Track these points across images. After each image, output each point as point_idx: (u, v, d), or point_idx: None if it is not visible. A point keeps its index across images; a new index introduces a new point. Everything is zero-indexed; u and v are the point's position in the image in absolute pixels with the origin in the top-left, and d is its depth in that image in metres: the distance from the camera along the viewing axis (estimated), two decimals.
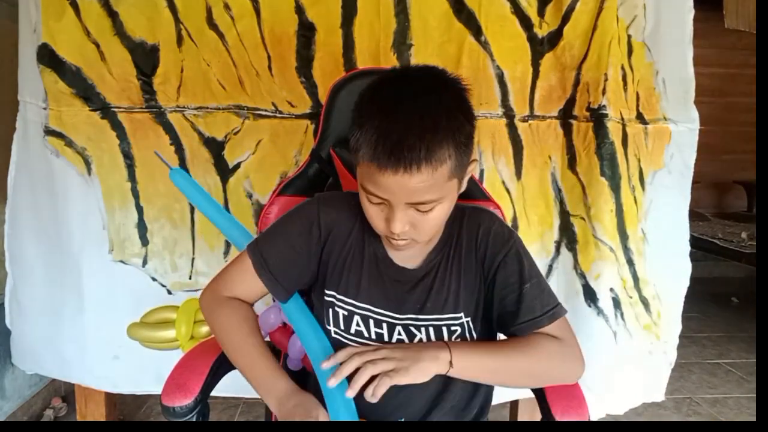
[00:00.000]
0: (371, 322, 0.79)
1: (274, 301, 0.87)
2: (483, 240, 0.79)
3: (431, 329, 0.78)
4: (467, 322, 0.78)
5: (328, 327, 0.81)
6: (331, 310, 0.81)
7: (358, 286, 0.80)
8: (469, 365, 0.72)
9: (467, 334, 0.78)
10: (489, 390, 0.87)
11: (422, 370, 0.68)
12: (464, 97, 0.69)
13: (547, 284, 0.80)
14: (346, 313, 0.80)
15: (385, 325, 0.79)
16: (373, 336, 0.79)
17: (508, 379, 0.76)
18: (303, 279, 0.82)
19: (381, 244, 0.81)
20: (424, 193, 0.65)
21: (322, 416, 0.70)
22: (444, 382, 0.78)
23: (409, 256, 0.80)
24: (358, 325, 0.79)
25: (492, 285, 0.78)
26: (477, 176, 1.33)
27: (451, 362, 0.70)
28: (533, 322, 0.76)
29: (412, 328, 0.78)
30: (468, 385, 0.79)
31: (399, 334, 0.78)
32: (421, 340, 0.78)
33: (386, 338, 0.78)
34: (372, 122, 0.64)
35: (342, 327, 0.80)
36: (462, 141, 0.66)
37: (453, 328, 0.78)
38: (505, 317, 0.78)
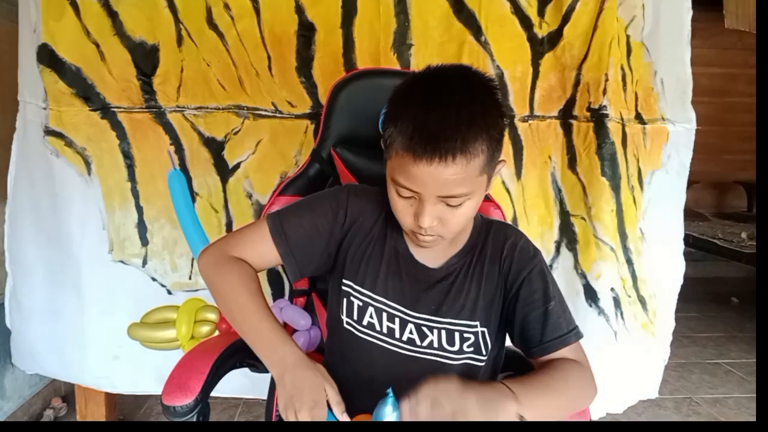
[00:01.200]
0: (384, 315, 0.79)
1: (274, 301, 0.87)
2: (509, 254, 0.79)
3: (443, 332, 0.78)
4: (482, 331, 0.78)
5: (342, 317, 0.81)
6: (346, 299, 0.80)
7: (376, 279, 0.79)
8: (538, 411, 0.66)
9: (480, 343, 0.78)
10: None
11: (493, 412, 0.62)
12: (497, 96, 0.70)
13: (566, 304, 0.80)
14: (360, 303, 0.80)
15: (397, 321, 0.78)
16: (385, 330, 0.79)
17: (562, 413, 0.72)
18: (318, 259, 0.81)
19: (403, 240, 0.81)
20: (455, 186, 0.66)
21: (329, 394, 0.67)
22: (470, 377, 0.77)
23: (430, 255, 0.80)
24: (371, 317, 0.79)
25: (515, 300, 0.78)
26: None
27: (520, 414, 0.64)
28: (560, 340, 0.76)
29: (425, 329, 0.78)
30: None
31: (411, 332, 0.78)
32: (431, 342, 0.78)
33: (397, 334, 0.78)
34: (408, 115, 0.66)
35: (355, 318, 0.80)
36: (495, 137, 0.67)
37: (466, 335, 0.78)
38: (529, 334, 0.77)
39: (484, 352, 0.79)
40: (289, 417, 0.66)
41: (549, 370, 0.74)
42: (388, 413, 0.65)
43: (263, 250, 0.78)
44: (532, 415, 0.65)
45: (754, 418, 1.61)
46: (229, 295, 0.75)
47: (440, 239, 0.73)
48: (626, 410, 1.50)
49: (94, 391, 1.52)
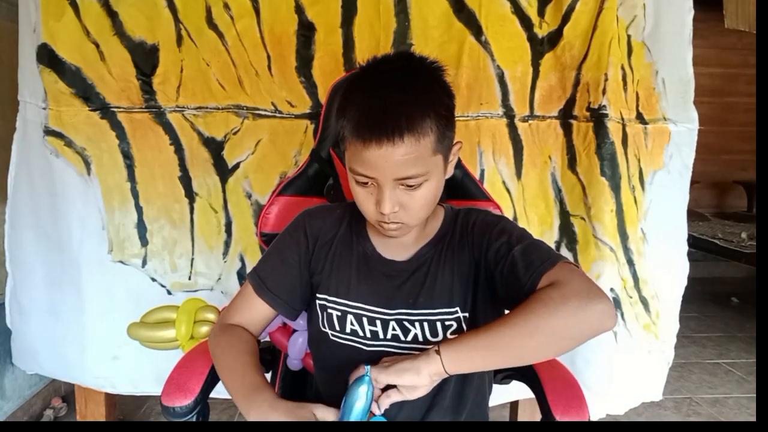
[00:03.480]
0: (365, 320, 0.79)
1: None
2: (473, 228, 0.79)
3: (425, 324, 0.77)
4: (463, 317, 0.77)
5: (324, 330, 0.81)
6: (324, 312, 0.81)
7: (348, 285, 0.80)
8: (461, 353, 0.64)
9: (464, 329, 0.77)
10: (480, 388, 0.84)
11: (416, 371, 0.65)
12: (441, 75, 0.71)
13: (546, 244, 0.74)
14: (339, 313, 0.80)
15: (378, 322, 0.78)
16: (368, 334, 0.78)
17: (515, 352, 0.64)
18: (301, 290, 0.83)
19: (369, 241, 0.81)
20: (409, 167, 0.66)
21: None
22: (438, 384, 0.75)
23: (399, 249, 0.80)
24: (352, 324, 0.79)
25: (488, 268, 0.75)
26: (477, 176, 1.33)
27: (438, 351, 0.64)
28: (536, 274, 0.67)
29: (406, 323, 0.78)
30: (456, 385, 0.79)
31: (393, 329, 0.78)
32: (416, 335, 0.77)
33: (381, 335, 0.78)
34: (355, 103, 0.67)
35: (337, 328, 0.80)
36: (443, 114, 0.67)
37: (447, 322, 0.77)
38: (511, 290, 0.70)
39: None
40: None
41: (505, 315, 0.66)
42: (362, 392, 0.65)
43: (254, 309, 0.82)
44: (455, 357, 0.63)
45: (754, 418, 1.61)
46: (218, 360, 0.78)
47: (405, 227, 0.73)
48: (626, 411, 1.50)
49: (94, 391, 1.52)
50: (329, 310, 0.80)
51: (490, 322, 0.66)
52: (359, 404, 0.64)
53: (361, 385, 0.65)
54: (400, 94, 0.65)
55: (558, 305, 0.62)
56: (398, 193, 0.69)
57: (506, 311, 0.69)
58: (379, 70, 0.71)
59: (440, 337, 0.77)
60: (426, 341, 0.77)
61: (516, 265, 0.70)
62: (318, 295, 0.82)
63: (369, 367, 0.67)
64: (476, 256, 0.78)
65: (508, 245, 0.73)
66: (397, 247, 0.80)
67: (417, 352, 0.68)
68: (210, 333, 0.84)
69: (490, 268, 0.75)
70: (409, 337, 0.78)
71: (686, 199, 1.46)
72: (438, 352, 0.64)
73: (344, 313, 0.79)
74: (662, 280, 1.46)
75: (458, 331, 0.77)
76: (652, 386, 1.50)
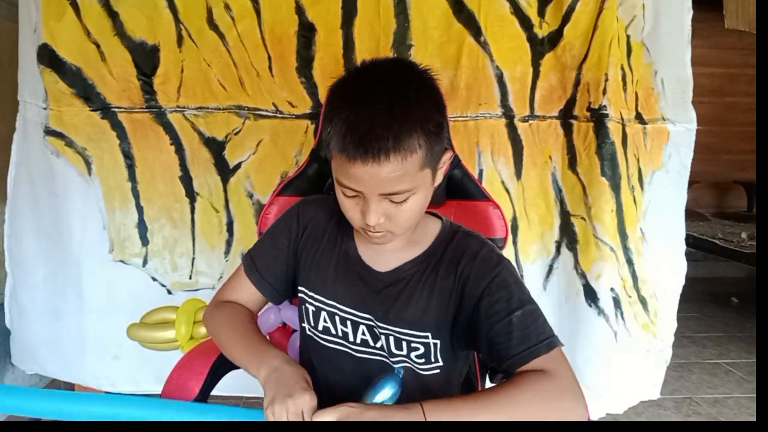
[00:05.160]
0: (337, 318, 0.78)
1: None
2: (467, 264, 0.74)
3: (391, 338, 0.75)
4: (433, 343, 0.75)
5: (303, 324, 0.82)
6: (303, 306, 0.81)
7: (325, 282, 0.79)
8: (443, 415, 0.63)
9: (431, 354, 0.75)
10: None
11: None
12: (433, 86, 0.69)
13: (542, 314, 0.72)
14: (314, 309, 0.80)
15: (349, 323, 0.78)
16: (340, 333, 0.78)
17: (493, 422, 0.64)
18: (286, 277, 0.83)
19: (353, 242, 0.80)
20: (395, 184, 0.64)
21: (307, 402, 0.63)
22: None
23: (381, 258, 0.78)
24: (325, 321, 0.79)
25: (476, 314, 0.72)
26: (476, 176, 1.34)
27: (422, 407, 0.62)
28: (529, 352, 0.67)
29: (375, 330, 0.77)
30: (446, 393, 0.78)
31: (363, 333, 0.77)
32: (382, 346, 0.77)
33: (351, 337, 0.78)
34: (340, 114, 0.64)
35: (312, 323, 0.80)
36: (432, 129, 0.65)
37: (414, 344, 0.75)
38: (497, 349, 0.70)
39: (435, 362, 0.76)
40: (270, 415, 0.63)
41: (498, 387, 0.67)
42: (387, 391, 0.67)
43: (245, 289, 0.82)
44: (439, 419, 0.61)
45: (754, 418, 1.61)
46: (218, 333, 0.79)
47: (391, 235, 0.72)
48: (626, 410, 1.50)
49: (94, 390, 1.52)
50: (307, 305, 0.80)
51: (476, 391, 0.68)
52: (382, 397, 0.66)
53: (389, 383, 0.67)
54: (388, 110, 0.62)
55: (546, 400, 0.65)
56: (384, 205, 0.67)
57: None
58: (368, 79, 0.68)
59: (404, 351, 0.76)
60: (390, 353, 0.76)
61: (511, 333, 0.68)
62: (299, 288, 0.82)
63: (401, 368, 0.70)
64: (465, 293, 0.74)
65: (507, 305, 0.70)
66: (380, 254, 0.78)
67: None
68: (204, 312, 0.85)
69: (479, 317, 0.71)
70: (378, 345, 0.77)
71: (684, 199, 1.47)
72: (422, 408, 0.62)
73: (319, 309, 0.79)
74: (661, 280, 1.47)
75: (426, 355, 0.75)
76: (650, 385, 1.51)
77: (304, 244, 0.82)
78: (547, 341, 0.68)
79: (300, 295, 0.81)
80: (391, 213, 0.68)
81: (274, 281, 0.82)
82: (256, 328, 0.78)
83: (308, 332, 0.81)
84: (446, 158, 0.71)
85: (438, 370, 0.76)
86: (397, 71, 0.68)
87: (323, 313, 0.79)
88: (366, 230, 0.71)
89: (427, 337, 0.75)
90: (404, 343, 0.75)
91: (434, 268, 0.76)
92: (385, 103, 0.63)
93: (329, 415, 0.60)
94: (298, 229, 0.82)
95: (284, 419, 0.62)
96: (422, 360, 0.76)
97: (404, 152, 0.62)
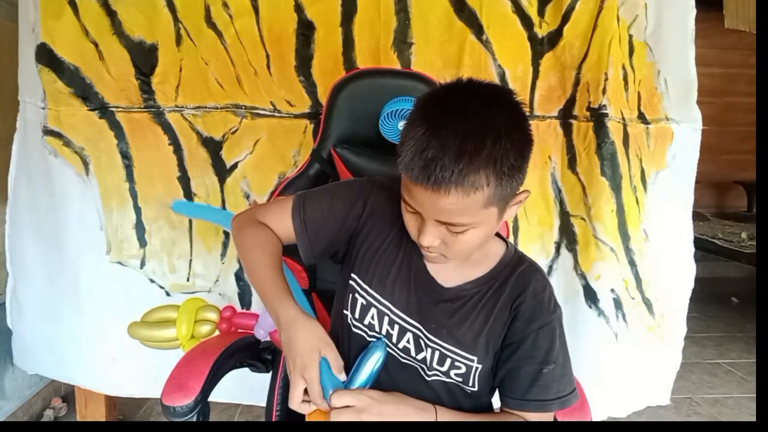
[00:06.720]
0: (386, 319, 0.77)
1: None
2: (526, 300, 0.75)
3: (437, 353, 0.76)
4: (477, 368, 0.76)
5: (346, 312, 0.80)
6: (351, 295, 0.80)
7: (384, 280, 0.78)
8: (453, 419, 0.73)
9: (470, 377, 0.76)
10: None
11: (406, 415, 0.71)
12: (521, 127, 0.65)
13: (571, 371, 0.76)
14: (364, 302, 0.78)
15: (397, 327, 0.77)
16: (384, 333, 0.78)
17: None
18: (329, 242, 0.81)
19: (419, 248, 0.79)
20: (454, 216, 0.63)
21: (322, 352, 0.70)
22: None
23: (444, 273, 0.78)
24: (372, 318, 0.78)
25: (515, 347, 0.75)
26: None
27: (435, 410, 0.72)
28: (540, 405, 0.73)
29: (421, 342, 0.77)
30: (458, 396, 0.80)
31: (408, 341, 0.77)
32: (424, 358, 0.76)
33: (394, 340, 0.77)
34: (416, 132, 0.62)
35: (357, 316, 0.79)
36: (504, 171, 0.61)
37: (458, 363, 0.76)
38: (514, 383, 0.75)
39: (471, 386, 0.77)
40: (290, 377, 0.69)
41: (509, 415, 0.76)
42: (376, 356, 0.73)
43: (283, 223, 0.81)
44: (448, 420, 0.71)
45: (754, 418, 1.61)
46: (246, 253, 0.80)
47: (444, 258, 0.71)
48: (630, 413, 1.49)
49: (94, 392, 1.52)
50: (356, 296, 0.79)
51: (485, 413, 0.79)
52: (369, 367, 0.72)
53: (376, 351, 0.73)
54: (461, 141, 0.59)
55: None
56: (441, 230, 0.67)
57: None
58: (453, 101, 0.64)
59: (445, 368, 0.76)
60: (430, 367, 0.77)
61: (535, 381, 0.74)
62: (352, 275, 0.80)
63: (383, 338, 0.76)
64: (514, 326, 0.76)
65: (545, 357, 0.74)
66: (444, 268, 0.77)
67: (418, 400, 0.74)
68: (236, 221, 0.85)
69: (516, 352, 0.75)
70: (420, 356, 0.77)
71: (691, 200, 1.44)
72: (435, 410, 0.72)
73: (369, 305, 0.78)
74: (667, 282, 1.44)
75: (465, 376, 0.76)
76: (658, 390, 1.49)
77: (368, 230, 0.80)
78: (560, 400, 0.74)
79: (351, 283, 0.80)
80: (448, 240, 0.68)
81: (314, 239, 0.80)
82: (280, 266, 0.79)
83: (349, 321, 0.80)
84: (520, 198, 0.69)
85: (468, 394, 0.78)
86: (486, 100, 0.64)
87: (373, 310, 0.78)
88: (420, 246, 0.71)
89: (473, 360, 0.75)
90: (448, 360, 0.76)
91: (494, 294, 0.77)
92: (460, 135, 0.60)
93: (348, 399, 0.67)
94: (362, 210, 0.80)
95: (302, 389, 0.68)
96: (460, 379, 0.76)
97: (468, 188, 0.60)
